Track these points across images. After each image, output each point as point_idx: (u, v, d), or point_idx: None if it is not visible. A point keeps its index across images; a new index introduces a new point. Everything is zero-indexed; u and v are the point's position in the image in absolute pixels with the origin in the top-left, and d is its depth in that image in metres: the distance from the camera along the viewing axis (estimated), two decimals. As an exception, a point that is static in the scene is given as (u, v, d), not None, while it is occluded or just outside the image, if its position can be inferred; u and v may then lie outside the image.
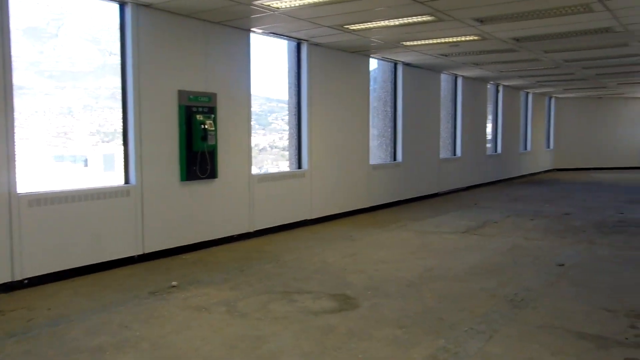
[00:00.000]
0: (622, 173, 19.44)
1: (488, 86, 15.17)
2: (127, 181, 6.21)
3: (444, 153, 13.31)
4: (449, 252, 6.72)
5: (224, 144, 7.16)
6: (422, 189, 12.04)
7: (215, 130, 6.85)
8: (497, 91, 15.96)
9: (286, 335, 3.97)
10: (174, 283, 5.29)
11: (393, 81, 11.24)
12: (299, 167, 8.72)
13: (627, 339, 3.82)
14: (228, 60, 7.26)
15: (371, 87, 10.51)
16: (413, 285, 5.25)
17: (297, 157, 8.73)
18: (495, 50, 9.42)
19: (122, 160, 6.23)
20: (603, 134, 21.18)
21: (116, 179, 6.26)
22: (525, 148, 18.46)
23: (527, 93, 18.21)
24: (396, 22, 7.15)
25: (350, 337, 3.92)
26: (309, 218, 8.73)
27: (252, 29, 7.46)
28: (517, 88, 16.90)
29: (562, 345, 3.71)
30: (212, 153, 6.91)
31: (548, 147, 20.62)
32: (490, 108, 15.55)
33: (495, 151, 16.13)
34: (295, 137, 8.71)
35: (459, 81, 13.60)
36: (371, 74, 10.52)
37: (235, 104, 7.37)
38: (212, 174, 6.95)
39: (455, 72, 12.93)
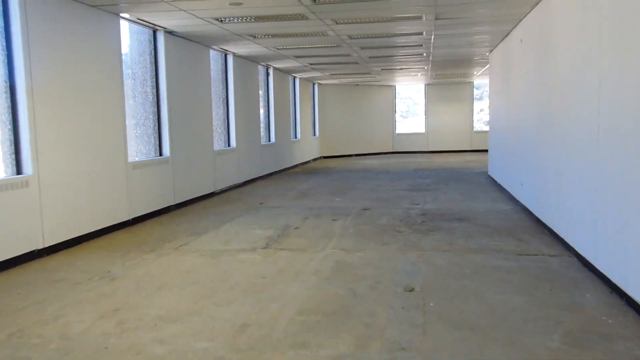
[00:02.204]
0: (381, 158, 20.02)
1: (259, 67, 13.59)
2: None
3: (218, 144, 11.28)
4: (259, 286, 4.73)
5: None
6: (196, 188, 9.84)
7: None
8: (268, 74, 14.52)
9: None
10: None
11: (153, 54, 8.75)
12: (19, 172, 5.75)
13: None
14: None
15: (124, 61, 7.86)
16: (229, 369, 3.13)
17: (13, 157, 5.74)
18: (283, 17, 7.70)
19: None
20: (360, 120, 21.66)
21: None
22: (296, 136, 17.55)
23: (295, 78, 17.25)
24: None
25: None
26: (40, 247, 5.85)
27: None
28: (287, 72, 15.74)
29: None
30: None
31: (314, 134, 20.18)
32: (261, 93, 14.02)
33: (269, 140, 14.73)
34: (9, 127, 5.71)
35: (230, 60, 11.68)
36: (125, 43, 7.88)
37: None
38: None
39: (225, 48, 10.95)
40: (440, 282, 4.70)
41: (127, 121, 7.67)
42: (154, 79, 8.78)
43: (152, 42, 8.73)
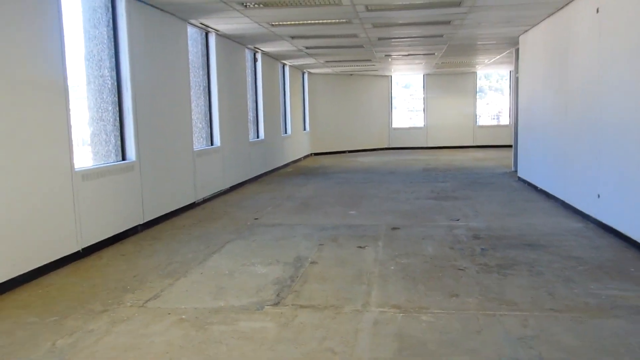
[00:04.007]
0: (378, 155, 18.07)
1: (246, 51, 11.45)
2: None
3: (199, 143, 9.15)
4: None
5: None
6: (172, 200, 7.71)
7: None
8: (256, 59, 12.39)
9: None
10: None
11: (112, 25, 6.59)
12: None
13: None
14: None
15: (70, 33, 5.71)
16: None
17: None
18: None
19: None
20: (354, 113, 19.64)
21: None
22: (286, 131, 15.45)
23: (284, 65, 15.13)
24: None
25: None
26: None
27: None
28: (276, 57, 13.62)
29: None
30: None
31: (305, 129, 18.08)
32: (248, 82, 11.90)
33: (258, 136, 12.61)
34: None
35: (212, 40, 9.54)
36: (70, 9, 5.72)
37: None
38: None
39: (207, 24, 8.81)
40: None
41: (74, 115, 5.50)
42: (114, 60, 6.62)
43: (111, 10, 6.58)
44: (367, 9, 7.78)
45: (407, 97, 22.29)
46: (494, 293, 4.20)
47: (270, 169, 13.06)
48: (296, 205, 8.54)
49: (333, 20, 8.69)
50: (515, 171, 11.60)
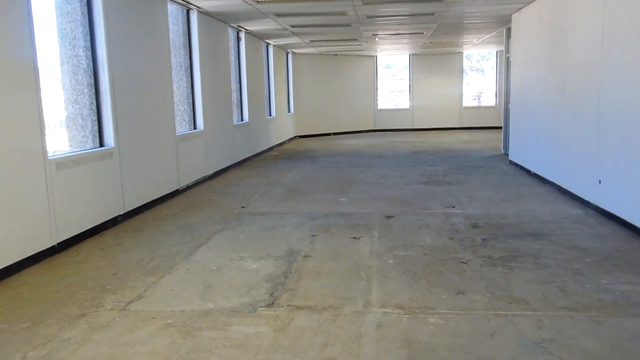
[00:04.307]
0: (364, 138, 17.78)
1: (229, 30, 10.98)
2: None
3: (181, 127, 8.74)
4: None
5: None
6: (154, 188, 7.32)
7: None
8: (239, 39, 11.92)
9: None
10: None
11: (85, 1, 6.12)
12: None
13: None
14: None
15: (36, 8, 5.26)
16: None
17: None
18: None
19: None
20: (339, 95, 19.25)
21: None
22: (271, 114, 15.03)
23: (268, 45, 14.66)
24: None
25: None
26: None
27: None
28: (260, 37, 13.15)
29: None
30: None
31: (289, 111, 17.66)
32: (232, 62, 11.44)
33: (242, 119, 12.20)
34: None
35: (194, 18, 9.07)
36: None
37: None
38: None
39: (188, 0, 8.34)
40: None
41: (47, 99, 5.07)
42: (89, 38, 6.17)
43: (85, -16, 6.10)
44: (358, -15, 7.40)
45: (389, 77, 21.86)
46: (501, 289, 3.95)
47: (255, 153, 12.69)
48: (284, 191, 8.22)
49: (321, -2, 8.30)
50: (505, 154, 11.42)
